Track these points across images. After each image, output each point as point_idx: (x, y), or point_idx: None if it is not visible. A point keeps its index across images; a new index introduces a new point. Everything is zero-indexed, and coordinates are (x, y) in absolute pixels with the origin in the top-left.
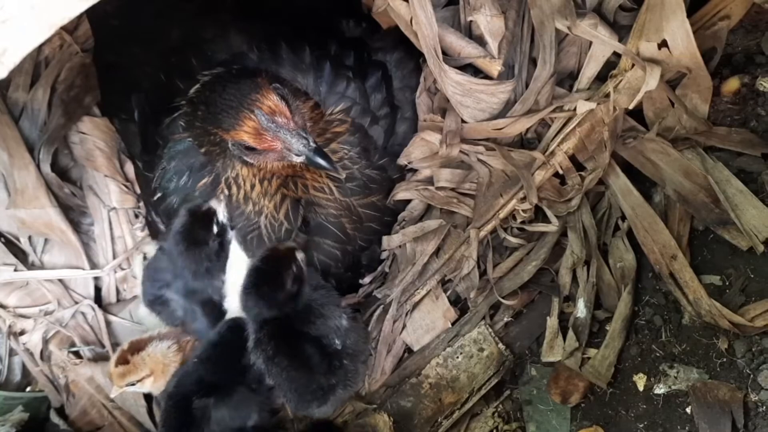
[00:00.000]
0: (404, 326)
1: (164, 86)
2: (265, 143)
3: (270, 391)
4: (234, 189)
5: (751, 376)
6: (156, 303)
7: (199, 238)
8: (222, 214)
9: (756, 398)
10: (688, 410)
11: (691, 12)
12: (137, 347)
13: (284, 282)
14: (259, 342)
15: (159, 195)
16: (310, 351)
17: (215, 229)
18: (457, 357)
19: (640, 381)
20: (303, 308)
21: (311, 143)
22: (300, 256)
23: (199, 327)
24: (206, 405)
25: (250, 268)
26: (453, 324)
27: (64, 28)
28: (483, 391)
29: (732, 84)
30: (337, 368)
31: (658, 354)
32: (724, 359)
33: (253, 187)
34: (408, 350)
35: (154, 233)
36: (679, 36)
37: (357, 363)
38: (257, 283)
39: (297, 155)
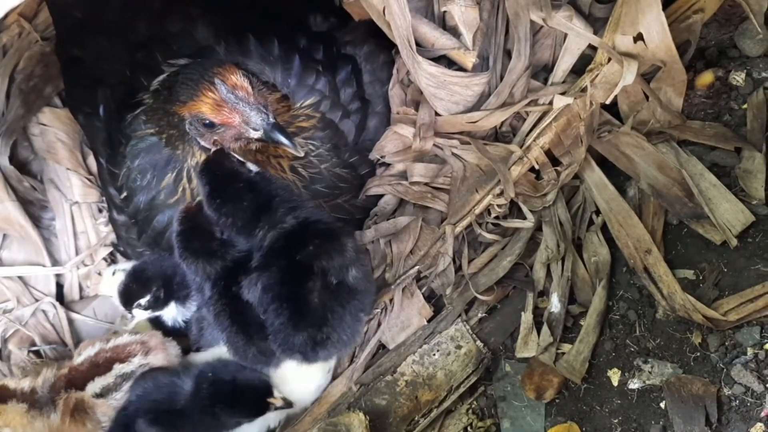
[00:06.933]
0: (379, 324)
1: (129, 82)
2: (223, 116)
3: None
4: (195, 181)
5: (725, 370)
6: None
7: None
8: None
9: (729, 392)
10: (662, 405)
11: (665, 5)
12: None
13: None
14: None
15: (125, 194)
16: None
17: None
18: (434, 354)
19: (615, 376)
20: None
21: (270, 119)
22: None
23: None
24: None
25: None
26: (429, 321)
27: (22, 15)
28: (462, 389)
29: (706, 78)
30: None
31: (632, 349)
32: (698, 353)
33: None
34: (382, 347)
35: (117, 231)
36: (654, 29)
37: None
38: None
39: (255, 129)
